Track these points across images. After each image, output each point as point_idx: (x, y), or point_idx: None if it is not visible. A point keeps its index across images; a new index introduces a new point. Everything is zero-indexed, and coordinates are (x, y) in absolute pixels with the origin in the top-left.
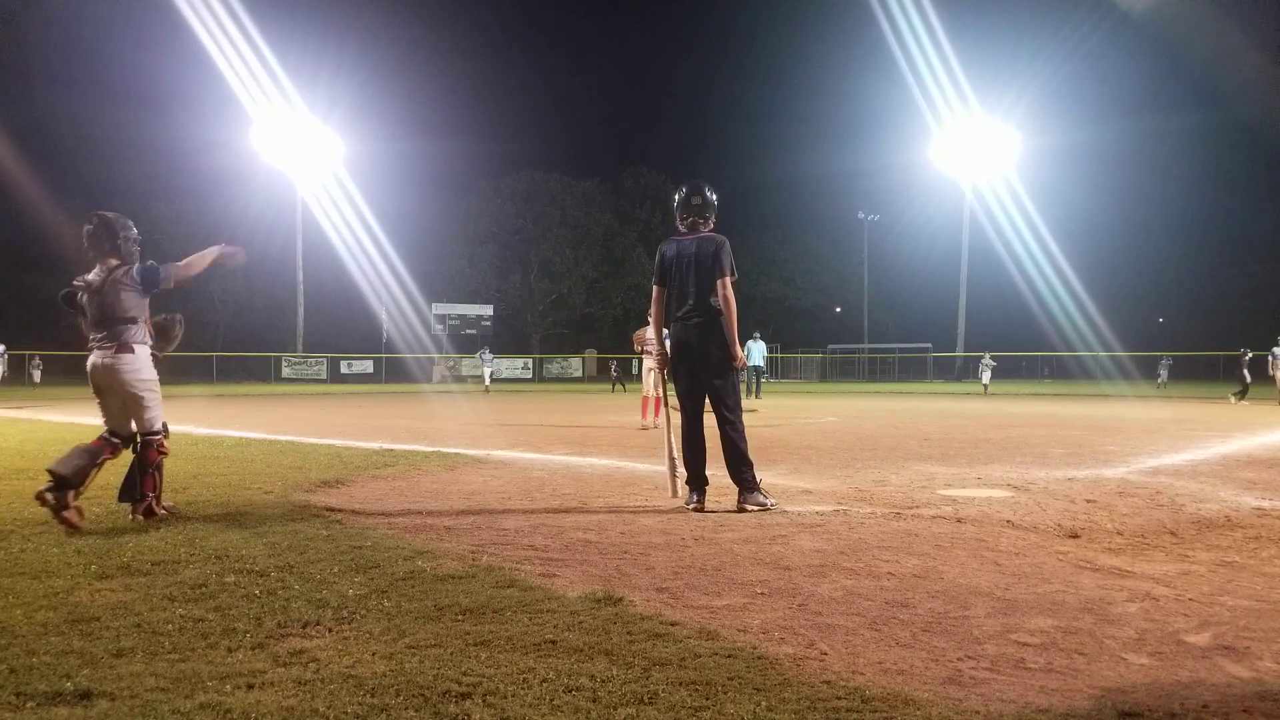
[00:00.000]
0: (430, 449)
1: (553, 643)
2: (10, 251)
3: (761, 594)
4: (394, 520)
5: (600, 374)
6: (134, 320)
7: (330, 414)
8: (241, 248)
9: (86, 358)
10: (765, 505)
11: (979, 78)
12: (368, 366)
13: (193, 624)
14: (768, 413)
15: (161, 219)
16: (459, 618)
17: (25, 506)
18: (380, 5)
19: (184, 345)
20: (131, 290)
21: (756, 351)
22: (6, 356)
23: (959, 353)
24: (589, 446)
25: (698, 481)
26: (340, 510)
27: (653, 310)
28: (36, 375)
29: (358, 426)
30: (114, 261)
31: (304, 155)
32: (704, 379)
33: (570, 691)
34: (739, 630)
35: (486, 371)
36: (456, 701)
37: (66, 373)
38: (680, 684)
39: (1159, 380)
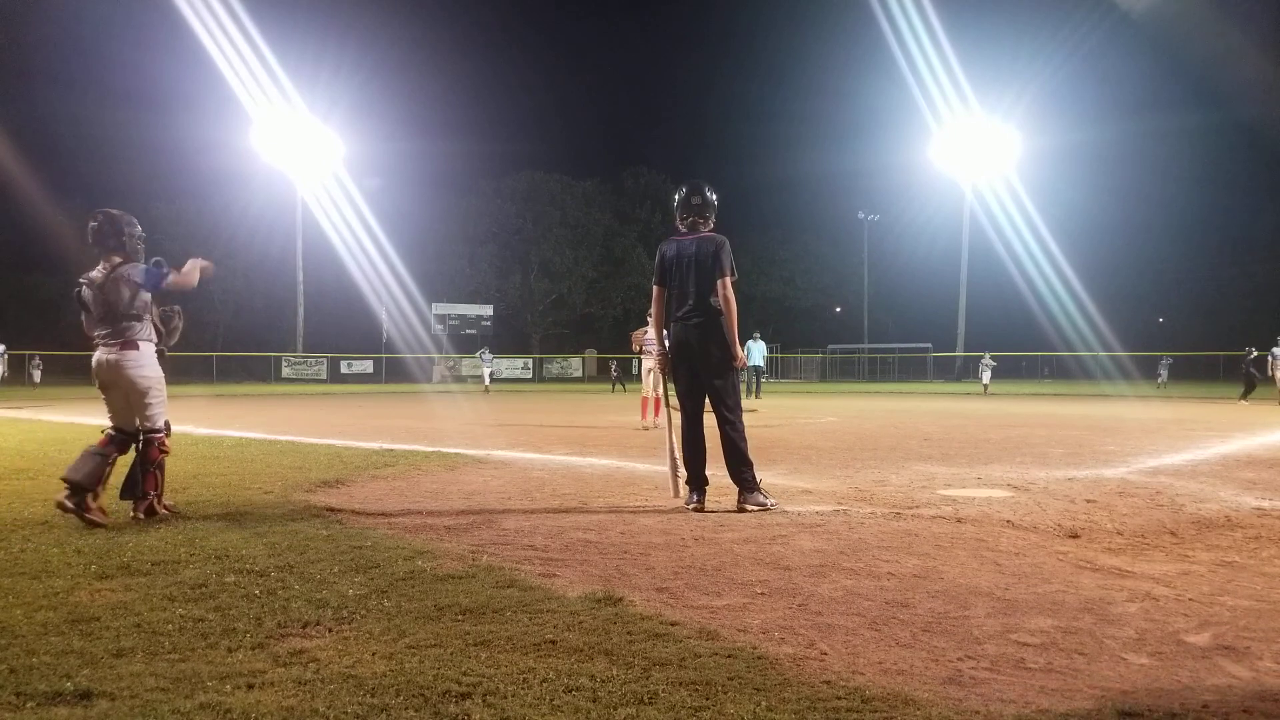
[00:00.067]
0: (430, 449)
1: (553, 643)
2: (10, 251)
3: (761, 594)
4: (394, 520)
5: (600, 374)
6: (138, 317)
7: (330, 414)
8: (211, 263)
9: (86, 357)
10: (765, 505)
11: (979, 78)
12: (368, 366)
13: (193, 624)
14: (768, 413)
15: (161, 219)
16: (459, 618)
17: (25, 506)
18: (380, 5)
19: (184, 345)
20: (134, 288)
21: (756, 351)
22: (6, 356)
23: (959, 353)
24: (589, 446)
25: (698, 481)
26: (340, 510)
27: (653, 310)
28: (36, 375)
29: (358, 426)
30: (118, 259)
31: (304, 155)
32: (704, 379)
33: (570, 691)
34: (739, 630)
35: (486, 371)
36: (456, 701)
37: (66, 373)
38: (680, 684)
39: (1159, 380)
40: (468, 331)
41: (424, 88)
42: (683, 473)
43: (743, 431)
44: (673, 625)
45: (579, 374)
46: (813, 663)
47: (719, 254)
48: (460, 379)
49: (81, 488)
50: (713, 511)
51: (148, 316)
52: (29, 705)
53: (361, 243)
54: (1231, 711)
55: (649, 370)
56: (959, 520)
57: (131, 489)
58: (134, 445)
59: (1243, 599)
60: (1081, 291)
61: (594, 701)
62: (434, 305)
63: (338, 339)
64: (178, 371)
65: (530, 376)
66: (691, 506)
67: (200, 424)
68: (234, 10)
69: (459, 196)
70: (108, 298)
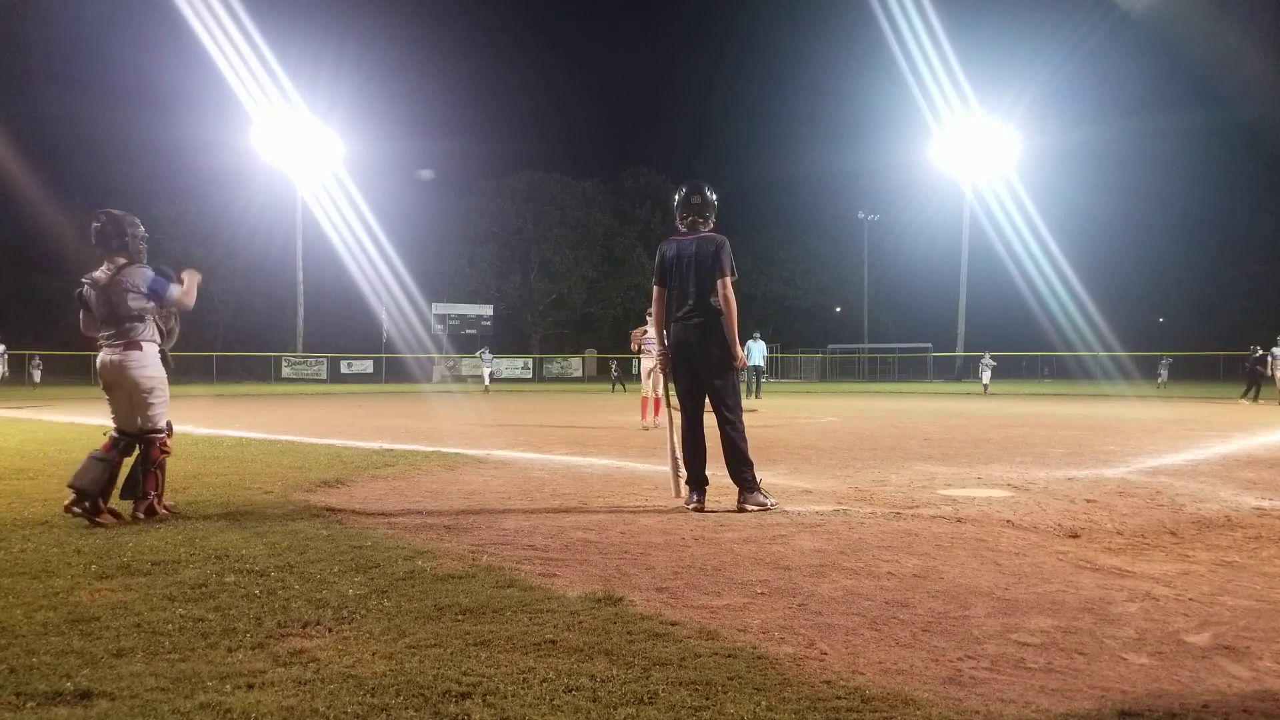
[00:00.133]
0: (430, 449)
1: (553, 643)
2: (10, 251)
3: (761, 594)
4: (394, 520)
5: (600, 374)
6: (141, 318)
7: (330, 414)
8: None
9: (87, 357)
10: (765, 505)
11: (979, 78)
12: (368, 366)
13: (193, 624)
14: (768, 413)
15: (161, 219)
16: (459, 618)
17: (25, 506)
18: (380, 5)
19: (184, 345)
20: (137, 295)
21: (756, 351)
22: (6, 356)
23: (959, 353)
24: (589, 446)
25: (698, 481)
26: (340, 510)
27: (653, 310)
28: (36, 375)
29: (358, 426)
30: (122, 260)
31: (304, 155)
32: (704, 379)
33: (570, 691)
34: (739, 630)
35: (486, 371)
36: (456, 701)
37: (67, 373)
38: (680, 684)
39: (1159, 380)
40: (468, 331)
41: (424, 88)
42: (683, 473)
43: (743, 431)
44: (673, 625)
45: (579, 374)
46: (813, 663)
47: (719, 254)
48: (460, 379)
49: (87, 494)
50: (713, 511)
51: (150, 318)
52: (29, 705)
53: (361, 243)
54: (1231, 711)
55: (649, 370)
56: (959, 520)
57: (132, 489)
58: (137, 446)
59: (1243, 599)
60: (1081, 291)
61: (594, 701)
62: (434, 305)
63: (338, 339)
64: (178, 371)
65: (530, 376)
66: (691, 506)
67: (200, 424)
68: (234, 10)
69: (459, 196)
70: (111, 299)
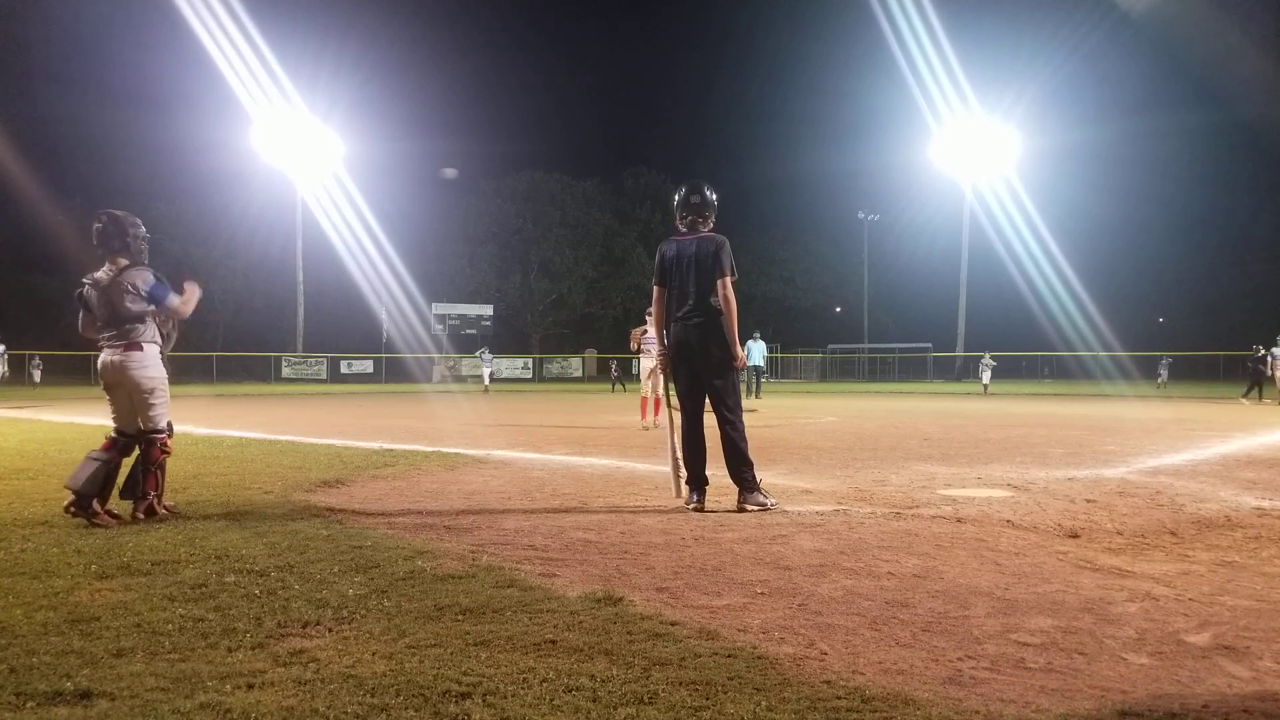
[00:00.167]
0: (430, 449)
1: (553, 643)
2: (10, 251)
3: (761, 594)
4: (394, 520)
5: (600, 374)
6: (142, 319)
7: (330, 414)
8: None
9: (87, 357)
10: (765, 505)
11: (979, 78)
12: (368, 366)
13: (193, 624)
14: (768, 413)
15: (161, 219)
16: (459, 618)
17: (25, 506)
18: (380, 5)
19: (184, 345)
20: (136, 297)
21: (756, 351)
22: (6, 356)
23: (959, 353)
24: (589, 446)
25: (698, 481)
26: (340, 510)
27: (653, 310)
28: (36, 375)
29: (358, 426)
30: (124, 261)
31: (304, 155)
32: (704, 379)
33: (570, 691)
34: (739, 630)
35: (486, 371)
36: (456, 701)
37: (67, 373)
38: (680, 684)
39: (1159, 380)
40: (468, 331)
41: (424, 88)
42: (683, 472)
43: (743, 431)
44: (673, 625)
45: (579, 374)
46: (813, 663)
47: (719, 254)
48: (460, 379)
49: (84, 496)
50: (713, 511)
51: (151, 319)
52: (29, 705)
53: (361, 243)
54: (1231, 711)
55: (649, 370)
56: (959, 520)
57: (132, 489)
58: (136, 446)
59: (1243, 599)
60: (1081, 291)
61: (594, 701)
62: (434, 305)
63: (338, 339)
64: (178, 371)
65: (530, 376)
66: (691, 506)
67: (200, 424)
68: (234, 10)
69: (459, 196)
70: (112, 300)
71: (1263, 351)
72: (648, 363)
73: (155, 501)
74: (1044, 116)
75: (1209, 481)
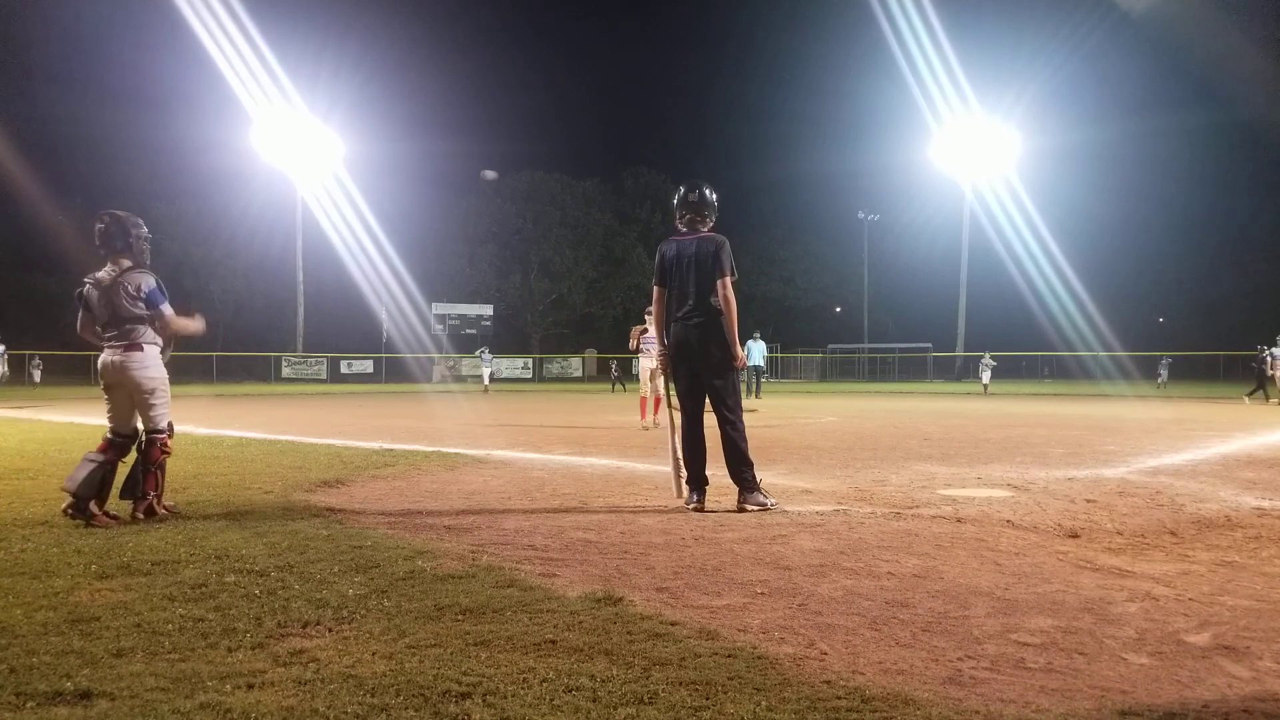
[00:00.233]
0: (430, 449)
1: (553, 643)
2: (10, 251)
3: (761, 594)
4: (394, 520)
5: (600, 374)
6: (142, 320)
7: (330, 414)
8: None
9: (87, 357)
10: (765, 505)
11: (979, 78)
12: (368, 366)
13: (193, 624)
14: (768, 413)
15: (162, 219)
16: (459, 618)
17: (25, 506)
18: (380, 5)
19: (184, 345)
20: (134, 299)
21: (756, 351)
22: (6, 356)
23: (959, 353)
24: (589, 446)
25: (698, 481)
26: (340, 510)
27: (654, 310)
28: (36, 375)
29: (358, 426)
30: (126, 262)
31: (304, 155)
32: (704, 379)
33: (570, 691)
34: (739, 630)
35: (486, 371)
36: (456, 701)
37: (67, 373)
38: (680, 684)
39: (1159, 380)
40: (468, 331)
41: (424, 88)
42: (683, 472)
43: (743, 431)
44: (673, 625)
45: (579, 374)
46: (813, 663)
47: (719, 254)
48: (460, 379)
49: (82, 498)
50: (713, 511)
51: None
52: (29, 705)
53: (361, 243)
54: (1231, 711)
55: (648, 370)
56: (959, 520)
57: (132, 489)
58: (135, 447)
59: (1243, 599)
60: (1081, 291)
61: (594, 701)
62: (434, 305)
63: (338, 339)
64: (178, 371)
65: (530, 376)
66: (691, 506)
67: (200, 424)
68: (234, 10)
69: (459, 196)
70: (113, 300)
71: (1265, 350)
72: (647, 363)
73: (155, 501)
74: (1044, 116)
75: (1209, 481)
